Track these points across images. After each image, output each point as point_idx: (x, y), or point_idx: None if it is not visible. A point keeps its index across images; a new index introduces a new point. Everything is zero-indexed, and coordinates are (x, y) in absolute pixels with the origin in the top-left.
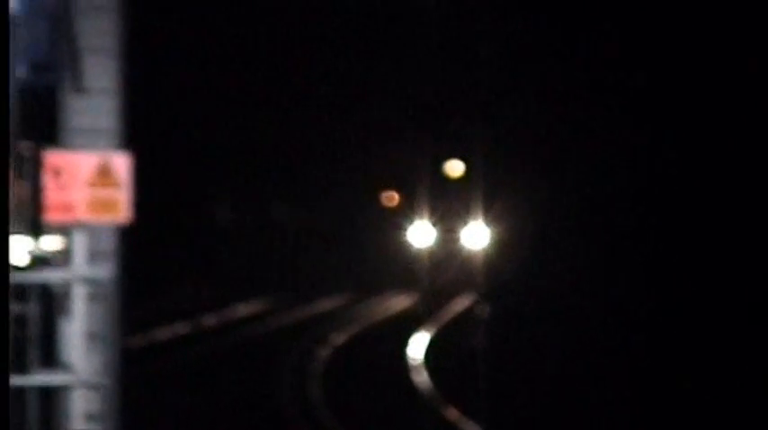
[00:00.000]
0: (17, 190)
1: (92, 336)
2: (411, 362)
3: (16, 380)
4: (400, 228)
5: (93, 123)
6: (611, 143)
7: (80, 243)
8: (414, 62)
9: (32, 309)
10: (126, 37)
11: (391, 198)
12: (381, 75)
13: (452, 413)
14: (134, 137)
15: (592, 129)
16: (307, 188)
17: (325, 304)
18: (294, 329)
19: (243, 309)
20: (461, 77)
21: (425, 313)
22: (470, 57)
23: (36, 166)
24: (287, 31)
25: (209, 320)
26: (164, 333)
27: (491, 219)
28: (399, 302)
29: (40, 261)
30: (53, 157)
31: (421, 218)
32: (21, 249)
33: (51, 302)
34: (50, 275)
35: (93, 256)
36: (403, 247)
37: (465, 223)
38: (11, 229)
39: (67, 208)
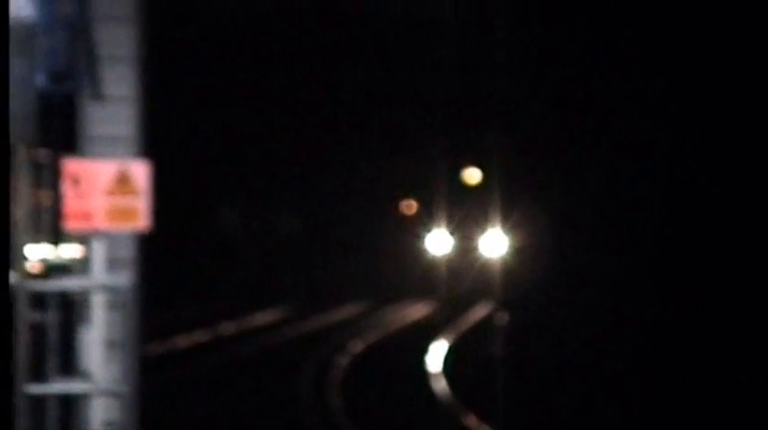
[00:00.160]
0: (36, 198)
1: (110, 344)
2: (430, 369)
3: (35, 388)
4: (418, 236)
5: (111, 131)
6: (630, 150)
7: (99, 251)
8: (432, 71)
9: (52, 316)
10: (144, 45)
11: (410, 206)
12: (400, 84)
13: (471, 420)
14: (153, 145)
15: (610, 137)
16: (324, 197)
17: (343, 312)
18: (312, 337)
19: (261, 318)
20: (479, 85)
21: (443, 321)
22: (488, 65)
23: (55, 175)
24: (305, 40)
25: (228, 329)
26: (182, 341)
27: (509, 226)
28: (417, 311)
29: (59, 269)
30: (72, 165)
31: (439, 226)
32: (39, 257)
33: (70, 310)
34: (69, 283)
35: (112, 264)
36: (421, 255)
37: (483, 231)
38: (30, 238)
39: (86, 216)
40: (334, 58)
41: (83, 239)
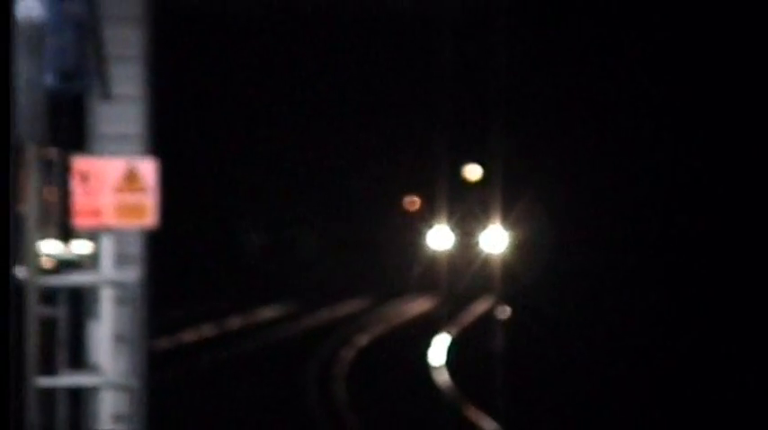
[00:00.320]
0: (46, 195)
1: (119, 339)
2: (432, 362)
3: (45, 381)
4: (420, 232)
5: (119, 130)
6: (631, 147)
7: (108, 247)
8: (434, 71)
9: (61, 311)
10: (152, 45)
11: (413, 203)
12: (403, 85)
13: (472, 411)
14: (160, 143)
15: (611, 134)
16: (327, 193)
17: (348, 307)
18: (318, 331)
19: (267, 313)
20: (481, 84)
21: (445, 316)
22: (490, 63)
23: (64, 172)
24: (310, 40)
25: (234, 323)
26: (190, 336)
27: (510, 222)
28: (419, 305)
29: (68, 265)
30: (81, 163)
31: (440, 222)
32: (49, 253)
33: (80, 305)
34: (79, 279)
35: (121, 260)
36: (423, 251)
37: (484, 227)
38: (40, 234)
39: (95, 213)
40: (338, 58)
41: (92, 236)
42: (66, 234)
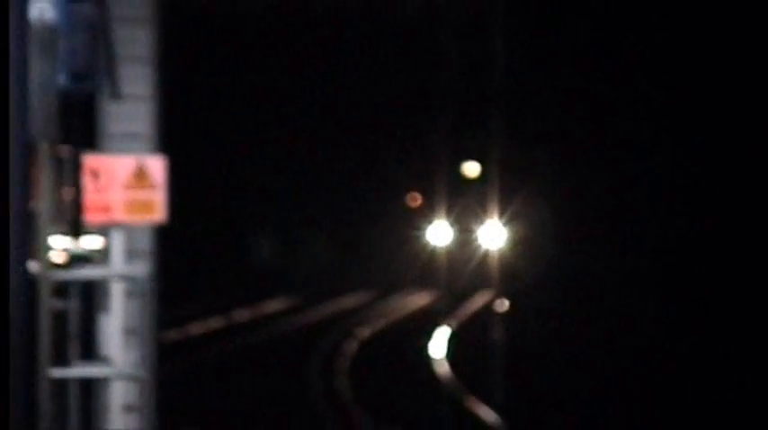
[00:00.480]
0: (58, 192)
1: (129, 331)
2: (432, 355)
3: (58, 373)
4: (420, 228)
5: (129, 128)
6: (628, 146)
7: (118, 242)
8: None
9: (73, 304)
10: (161, 46)
11: (415, 199)
12: (406, 88)
13: (472, 400)
14: (169, 141)
15: (607, 132)
16: (333, 190)
17: (350, 301)
18: (321, 324)
19: (272, 306)
20: (481, 83)
21: (445, 310)
22: (489, 64)
23: (76, 170)
24: (314, 41)
25: (241, 316)
26: (197, 328)
27: (507, 218)
28: (420, 299)
29: (80, 259)
30: (92, 161)
31: (440, 218)
32: (61, 248)
33: (91, 299)
34: (90, 273)
35: (131, 255)
36: (423, 246)
37: (482, 223)
38: (52, 230)
39: (106, 209)
40: (343, 60)
41: (102, 231)
42: (78, 229)
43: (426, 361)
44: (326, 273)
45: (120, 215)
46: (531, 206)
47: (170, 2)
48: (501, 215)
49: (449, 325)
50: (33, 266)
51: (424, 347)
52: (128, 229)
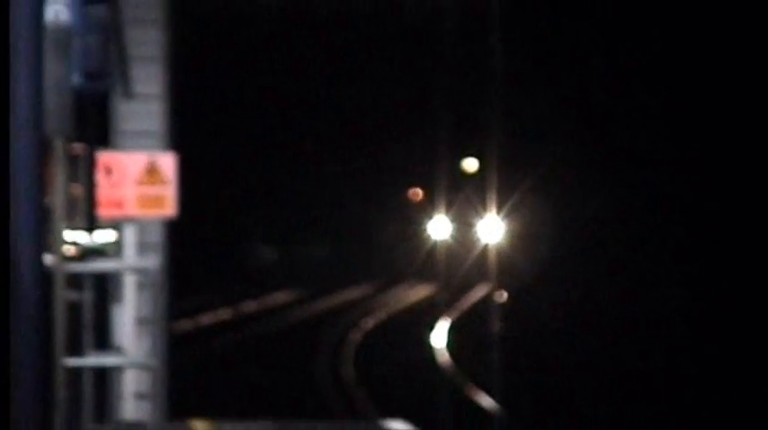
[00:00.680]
0: (73, 188)
1: (141, 321)
2: (433, 344)
3: (73, 361)
4: (420, 223)
5: (141, 126)
6: (625, 145)
7: (130, 236)
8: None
9: (87, 296)
10: (171, 46)
11: (416, 194)
12: (407, 88)
13: (471, 388)
14: (180, 138)
15: (604, 130)
16: (337, 187)
17: (354, 293)
18: (327, 315)
19: (279, 297)
20: (479, 84)
21: (444, 302)
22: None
23: (90, 166)
24: (321, 41)
25: (249, 307)
26: (207, 319)
27: (506, 213)
28: (421, 292)
29: (93, 252)
30: (105, 158)
31: (440, 212)
32: (76, 242)
33: (104, 290)
34: (103, 265)
35: (143, 248)
36: (424, 240)
37: (481, 217)
38: (67, 224)
39: (119, 204)
40: (348, 61)
41: (115, 225)
42: (92, 224)
43: (427, 349)
44: (330, 267)
45: (132, 210)
46: (528, 201)
47: (180, 4)
48: (499, 210)
49: (449, 316)
50: (49, 259)
51: (425, 337)
52: (139, 224)
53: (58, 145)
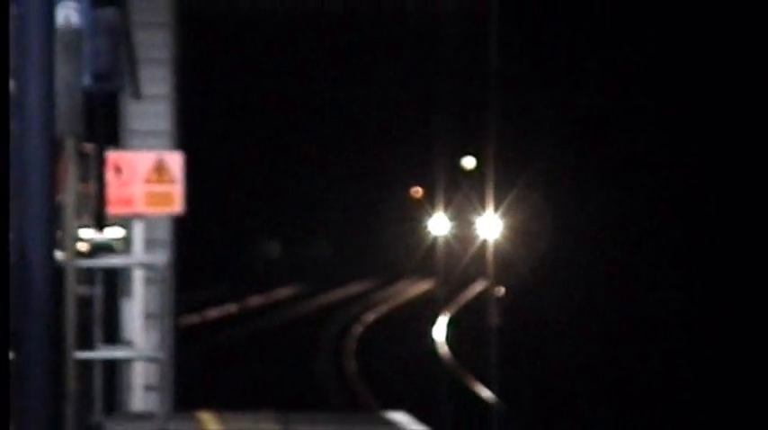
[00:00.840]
0: (83, 186)
1: (149, 316)
2: (434, 337)
3: (83, 355)
4: (420, 220)
5: (149, 126)
6: (623, 143)
7: (139, 232)
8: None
9: (97, 291)
10: (179, 48)
11: (417, 192)
12: (408, 88)
13: (470, 379)
14: (187, 138)
15: (603, 129)
16: (340, 185)
17: (355, 288)
18: (329, 309)
19: (283, 292)
20: (478, 84)
21: (444, 297)
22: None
23: (99, 165)
24: (325, 43)
25: (254, 302)
26: (213, 313)
27: (504, 210)
28: (421, 287)
29: (103, 248)
30: (114, 157)
31: (439, 210)
32: (86, 238)
33: (114, 285)
34: (113, 261)
35: (151, 244)
36: (424, 237)
37: (480, 214)
38: (78, 221)
39: (127, 201)
40: (349, 63)
41: (124, 222)
42: (102, 221)
43: (427, 342)
44: (333, 263)
45: (140, 207)
46: (525, 198)
47: (187, 7)
48: (497, 207)
49: (448, 310)
50: (60, 255)
51: (425, 330)
52: (148, 221)
53: (70, 144)
